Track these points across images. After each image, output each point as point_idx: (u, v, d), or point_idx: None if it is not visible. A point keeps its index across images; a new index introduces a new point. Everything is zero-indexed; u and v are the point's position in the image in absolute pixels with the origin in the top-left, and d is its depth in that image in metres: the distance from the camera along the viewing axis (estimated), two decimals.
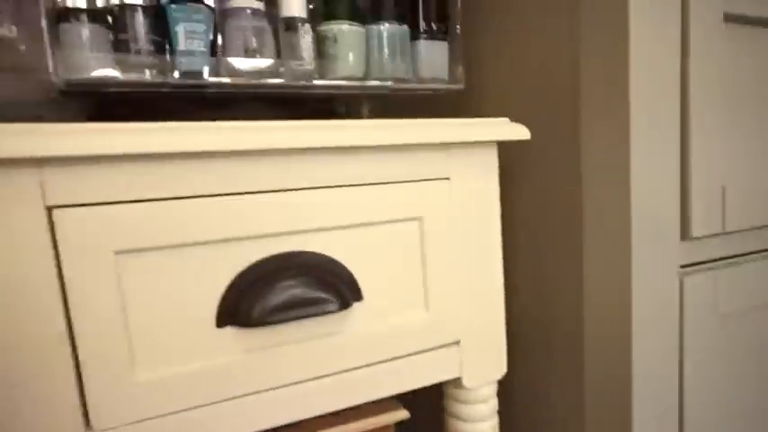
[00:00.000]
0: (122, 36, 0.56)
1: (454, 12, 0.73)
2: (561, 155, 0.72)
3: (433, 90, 0.72)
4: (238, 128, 0.50)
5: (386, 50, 0.68)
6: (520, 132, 0.66)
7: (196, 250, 0.52)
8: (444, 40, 0.73)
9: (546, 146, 0.74)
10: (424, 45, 0.72)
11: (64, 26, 0.53)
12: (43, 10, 0.51)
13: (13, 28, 0.50)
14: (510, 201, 0.81)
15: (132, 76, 0.56)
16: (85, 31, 0.54)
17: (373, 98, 0.73)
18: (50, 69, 0.51)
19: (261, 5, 0.61)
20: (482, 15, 0.82)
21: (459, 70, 0.73)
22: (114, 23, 0.56)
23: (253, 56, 0.60)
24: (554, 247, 0.75)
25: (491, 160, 0.67)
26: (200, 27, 0.58)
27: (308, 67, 0.63)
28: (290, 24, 0.63)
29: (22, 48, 0.50)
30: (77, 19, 0.54)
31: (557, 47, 0.71)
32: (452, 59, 0.73)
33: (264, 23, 0.61)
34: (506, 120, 0.67)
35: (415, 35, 0.71)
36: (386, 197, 0.60)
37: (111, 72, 0.55)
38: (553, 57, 0.72)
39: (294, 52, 0.63)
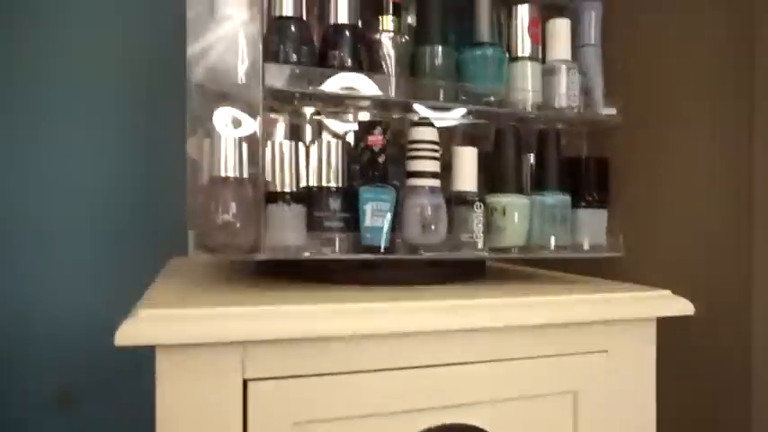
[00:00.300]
0: (318, 214, 0.60)
1: (613, 182, 0.74)
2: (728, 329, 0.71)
3: (593, 258, 0.73)
4: (413, 310, 0.53)
5: (548, 220, 0.70)
6: (683, 307, 0.66)
7: (365, 421, 0.54)
8: (604, 208, 0.74)
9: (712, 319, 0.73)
10: (584, 213, 0.73)
11: (271, 207, 0.58)
12: (263, 196, 0.56)
13: (234, 212, 0.55)
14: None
15: (325, 250, 0.60)
16: (289, 211, 0.59)
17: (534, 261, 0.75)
18: (262, 248, 0.56)
19: (438, 183, 0.64)
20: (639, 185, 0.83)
21: (620, 239, 0.74)
22: (311, 203, 0.60)
23: (429, 230, 0.63)
24: None
25: (650, 332, 0.67)
26: (386, 206, 0.62)
27: (478, 240, 0.66)
28: (463, 199, 0.66)
29: (238, 226, 0.55)
30: (284, 200, 0.59)
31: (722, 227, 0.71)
32: (611, 227, 0.74)
33: (440, 200, 0.64)
34: (668, 292, 0.67)
35: (576, 203, 0.73)
36: (543, 370, 0.61)
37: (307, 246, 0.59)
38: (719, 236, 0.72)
39: (465, 225, 0.66)
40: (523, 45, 0.70)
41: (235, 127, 0.56)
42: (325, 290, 0.60)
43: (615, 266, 0.81)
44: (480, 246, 0.66)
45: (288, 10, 0.59)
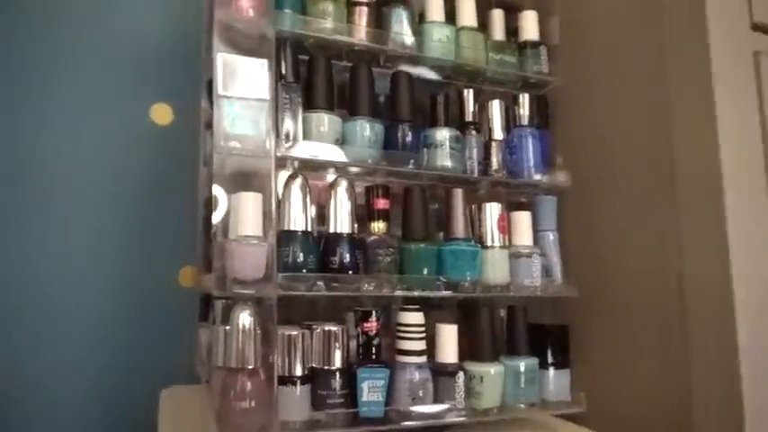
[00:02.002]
0: (321, 392, 0.69)
1: (572, 345, 0.83)
2: None
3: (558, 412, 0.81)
4: None
5: (521, 381, 0.78)
6: None
7: None
8: (566, 368, 0.82)
9: None
10: (550, 374, 0.81)
11: (283, 389, 0.66)
12: (275, 380, 0.64)
13: (250, 398, 0.63)
14: None
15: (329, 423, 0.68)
16: (297, 391, 0.67)
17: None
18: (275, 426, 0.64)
19: (424, 359, 0.73)
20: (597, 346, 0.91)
21: (581, 395, 0.82)
22: (315, 384, 0.69)
23: (418, 402, 0.71)
24: None
25: None
26: (380, 382, 0.70)
27: (460, 407, 0.74)
28: (445, 370, 0.74)
29: (254, 410, 0.63)
30: (292, 383, 0.67)
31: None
32: (574, 384, 0.82)
33: (427, 374, 0.73)
34: None
35: (542, 364, 0.81)
36: None
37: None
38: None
39: (449, 393, 0.74)
40: (493, 236, 0.80)
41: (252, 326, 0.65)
42: None
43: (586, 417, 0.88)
44: (462, 408, 0.74)
45: (295, 225, 0.70)
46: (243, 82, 0.68)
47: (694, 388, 0.79)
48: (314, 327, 0.70)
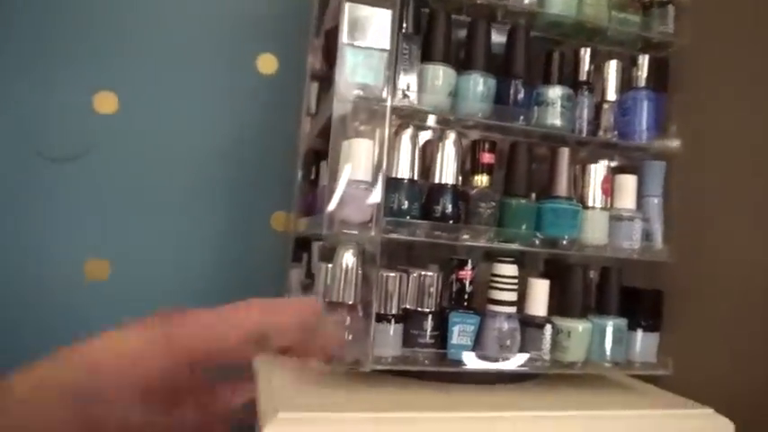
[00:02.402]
0: (413, 331, 0.73)
1: (664, 311, 0.83)
2: None
3: (643, 374, 0.82)
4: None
5: (607, 340, 0.79)
6: (724, 426, 0.73)
7: None
8: (656, 331, 0.82)
9: None
10: (639, 336, 0.82)
11: (378, 326, 0.71)
12: (373, 318, 0.69)
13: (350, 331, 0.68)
14: None
15: (417, 361, 0.72)
16: (391, 329, 0.72)
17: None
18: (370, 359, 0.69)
19: (514, 310, 0.75)
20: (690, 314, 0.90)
21: (669, 360, 0.82)
22: (408, 323, 0.73)
23: (506, 351, 0.74)
24: None
25: None
26: (470, 327, 0.74)
27: (546, 358, 0.76)
28: (534, 322, 0.77)
29: (350, 339, 0.68)
30: (387, 321, 0.71)
31: None
32: (662, 348, 0.83)
33: (516, 324, 0.75)
34: (711, 411, 0.74)
35: (632, 326, 0.82)
36: None
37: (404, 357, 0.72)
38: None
39: (535, 344, 0.76)
40: (595, 197, 0.80)
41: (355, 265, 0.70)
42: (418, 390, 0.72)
43: (669, 382, 0.88)
44: (546, 360, 0.77)
45: (402, 173, 0.73)
46: (366, 32, 0.70)
47: None
48: (411, 271, 0.74)
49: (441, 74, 0.74)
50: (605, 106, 0.82)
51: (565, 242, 0.78)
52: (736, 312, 0.85)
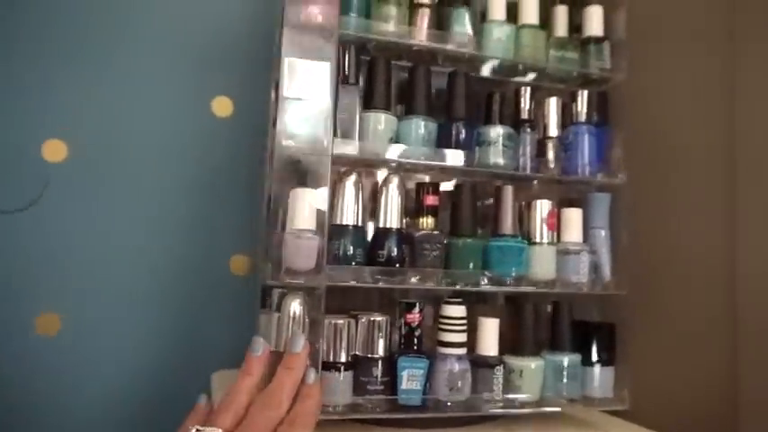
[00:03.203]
0: (363, 378, 0.71)
1: (618, 343, 0.82)
2: None
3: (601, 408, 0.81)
4: None
5: (563, 376, 0.78)
6: None
7: None
8: (610, 365, 0.81)
9: None
10: (594, 370, 0.80)
11: (326, 374, 0.69)
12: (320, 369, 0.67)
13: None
14: None
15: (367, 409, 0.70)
16: (340, 377, 0.70)
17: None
18: None
19: (464, 351, 0.74)
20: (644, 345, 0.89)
21: (624, 393, 0.81)
22: (358, 371, 0.71)
23: (456, 393, 0.72)
24: None
25: None
26: (419, 371, 0.72)
27: (498, 398, 0.75)
28: (485, 362, 0.75)
29: None
30: (336, 369, 0.69)
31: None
32: (618, 382, 0.81)
33: (466, 365, 0.73)
34: None
35: (586, 361, 0.80)
36: None
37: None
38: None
39: (487, 385, 0.75)
40: (541, 233, 0.80)
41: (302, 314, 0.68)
42: None
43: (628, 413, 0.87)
44: (499, 400, 0.75)
45: (346, 219, 0.71)
46: (306, 84, 0.69)
47: (741, 389, 0.77)
48: (359, 316, 0.72)
49: (382, 120, 0.73)
50: (548, 142, 0.81)
51: (511, 279, 0.76)
52: (688, 341, 0.85)
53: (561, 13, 0.84)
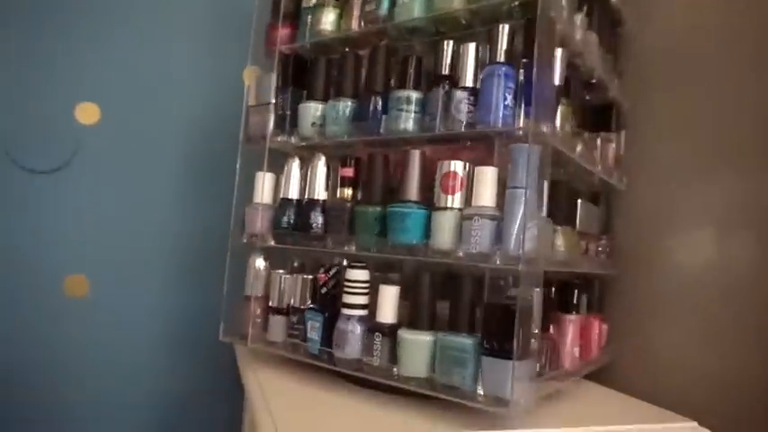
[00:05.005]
0: (291, 323, 0.82)
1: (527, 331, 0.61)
2: None
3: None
4: None
5: (447, 360, 0.65)
6: None
7: None
8: (506, 358, 0.61)
9: None
10: (485, 361, 0.63)
11: (272, 317, 0.84)
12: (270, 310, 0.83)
13: (259, 320, 0.85)
14: None
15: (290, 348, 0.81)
16: (278, 320, 0.83)
17: None
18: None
19: (365, 312, 0.73)
20: None
21: (518, 389, 0.60)
22: (288, 316, 0.82)
23: (340, 350, 0.74)
24: None
25: None
26: (317, 324, 0.77)
27: (375, 365, 0.71)
28: (380, 328, 0.71)
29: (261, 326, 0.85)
30: (278, 313, 0.83)
31: None
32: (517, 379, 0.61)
33: (356, 327, 0.73)
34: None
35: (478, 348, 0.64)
36: None
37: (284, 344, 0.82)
38: None
39: (369, 350, 0.71)
40: (439, 197, 0.69)
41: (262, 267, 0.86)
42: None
43: None
44: (378, 367, 0.71)
45: (292, 194, 0.84)
46: (261, 92, 0.88)
47: None
48: (296, 274, 0.83)
49: (309, 109, 0.82)
50: (457, 94, 0.69)
51: (412, 247, 0.70)
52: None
53: None
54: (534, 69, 0.63)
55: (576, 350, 0.80)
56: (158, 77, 1.11)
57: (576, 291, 0.81)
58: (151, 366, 1.14)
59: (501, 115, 0.64)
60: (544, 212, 0.71)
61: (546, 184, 0.71)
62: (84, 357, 1.07)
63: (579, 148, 0.79)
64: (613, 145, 0.93)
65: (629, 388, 0.85)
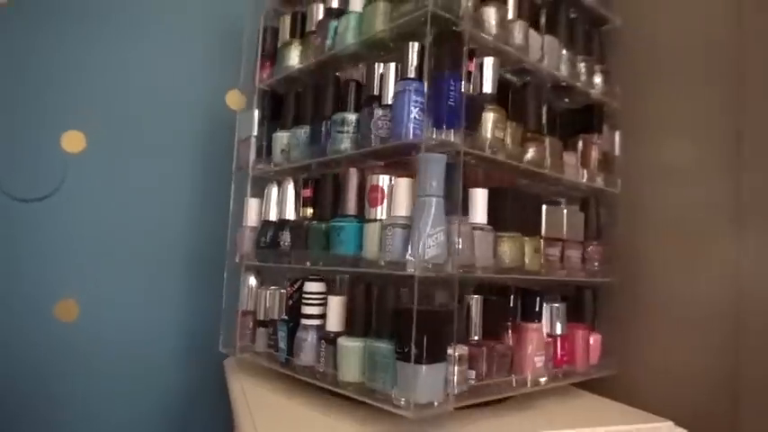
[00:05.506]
0: (269, 334, 0.87)
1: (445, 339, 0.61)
2: None
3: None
4: None
5: (375, 366, 0.67)
6: None
7: None
8: (420, 363, 0.62)
9: None
10: (399, 366, 0.64)
11: (259, 329, 0.90)
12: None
13: (250, 331, 0.92)
14: None
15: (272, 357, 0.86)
16: (263, 332, 0.89)
17: None
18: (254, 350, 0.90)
19: (315, 323, 0.77)
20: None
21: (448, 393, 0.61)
22: (268, 328, 0.87)
23: (298, 358, 0.78)
24: None
25: None
26: (283, 334, 0.82)
27: (320, 369, 0.74)
28: (326, 337, 0.75)
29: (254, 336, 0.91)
30: (262, 325, 0.89)
31: None
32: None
33: (310, 336, 0.77)
34: None
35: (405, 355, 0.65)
36: None
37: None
38: None
39: (316, 357, 0.75)
40: (368, 210, 0.72)
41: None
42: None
43: None
44: (322, 373, 0.74)
45: (271, 217, 0.90)
46: (246, 128, 0.96)
47: None
48: (272, 288, 0.89)
49: (279, 138, 0.88)
50: (376, 112, 0.72)
51: (349, 259, 0.74)
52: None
53: None
54: (434, 82, 0.65)
55: (540, 359, 0.78)
56: (144, 104, 1.12)
57: (537, 299, 0.79)
58: (143, 389, 1.15)
59: (411, 128, 0.66)
60: (479, 219, 0.71)
61: (481, 192, 0.72)
62: (74, 381, 1.08)
63: (530, 152, 0.78)
64: (598, 147, 0.90)
65: (634, 400, 0.82)
